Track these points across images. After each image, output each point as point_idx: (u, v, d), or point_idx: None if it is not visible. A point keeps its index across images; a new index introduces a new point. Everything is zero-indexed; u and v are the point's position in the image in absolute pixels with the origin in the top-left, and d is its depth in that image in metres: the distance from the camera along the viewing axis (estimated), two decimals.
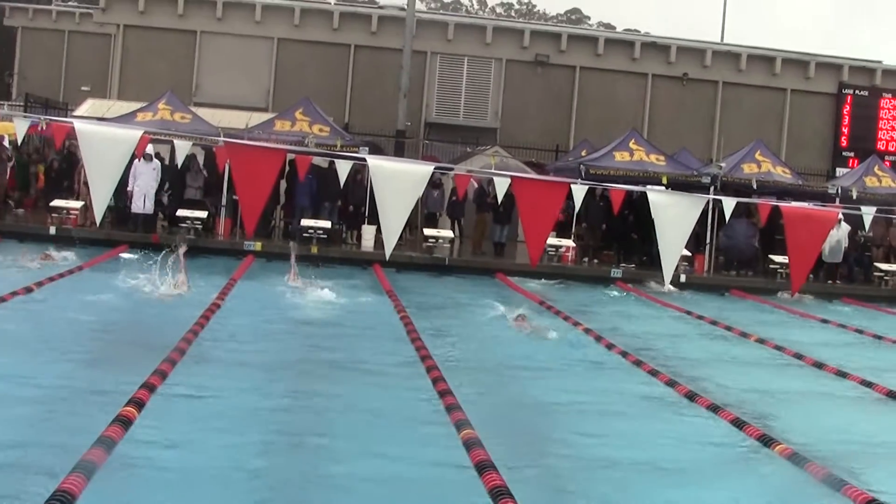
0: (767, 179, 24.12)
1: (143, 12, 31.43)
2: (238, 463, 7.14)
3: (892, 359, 14.39)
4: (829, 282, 23.33)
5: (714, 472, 7.99)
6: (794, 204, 15.59)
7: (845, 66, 33.67)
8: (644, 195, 11.82)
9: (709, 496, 7.38)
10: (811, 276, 20.24)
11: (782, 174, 24.60)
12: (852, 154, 32.77)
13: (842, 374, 12.30)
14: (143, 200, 21.24)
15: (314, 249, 20.99)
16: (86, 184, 15.57)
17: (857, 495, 7.03)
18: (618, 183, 20.07)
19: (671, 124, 32.39)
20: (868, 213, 21.16)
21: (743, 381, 11.57)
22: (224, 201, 22.05)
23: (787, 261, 17.06)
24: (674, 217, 9.80)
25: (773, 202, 18.28)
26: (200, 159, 22.99)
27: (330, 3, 33.47)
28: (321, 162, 21.80)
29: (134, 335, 11.88)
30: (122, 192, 20.63)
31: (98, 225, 15.58)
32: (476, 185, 23.76)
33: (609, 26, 73.48)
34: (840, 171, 31.48)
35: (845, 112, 33.36)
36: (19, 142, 22.62)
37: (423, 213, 23.77)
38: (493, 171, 22.63)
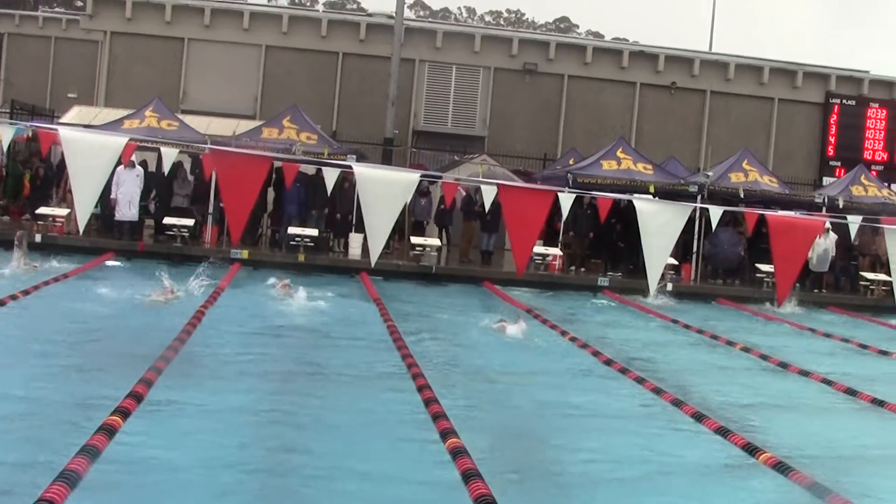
0: (754, 188, 24.19)
1: (131, 19, 31.32)
2: (222, 471, 7.11)
3: (877, 367, 14.45)
4: (816, 290, 23.41)
5: (699, 481, 7.99)
6: (780, 213, 15.62)
7: (832, 76, 33.85)
8: (631, 204, 11.85)
9: None
10: (798, 285, 20.31)
11: (769, 183, 24.68)
12: (839, 163, 32.85)
13: (827, 383, 12.35)
14: (127, 207, 21.16)
15: (301, 257, 20.99)
16: (70, 191, 15.45)
17: None
18: (605, 192, 20.09)
19: (659, 133, 32.51)
20: (854, 222, 21.23)
21: (729, 390, 11.61)
22: (211, 209, 21.99)
23: (773, 270, 17.09)
24: (659, 225, 9.86)
25: (760, 211, 18.33)
26: (188, 167, 22.92)
27: (318, 11, 33.52)
28: (308, 170, 21.76)
29: (119, 343, 11.81)
30: (106, 200, 20.57)
31: (82, 232, 15.44)
32: (464, 194, 23.78)
33: (597, 35, 73.98)
34: (827, 180, 31.58)
35: (832, 121, 33.51)
36: (4, 148, 22.44)
37: (411, 222, 23.74)
38: (480, 179, 22.61)
